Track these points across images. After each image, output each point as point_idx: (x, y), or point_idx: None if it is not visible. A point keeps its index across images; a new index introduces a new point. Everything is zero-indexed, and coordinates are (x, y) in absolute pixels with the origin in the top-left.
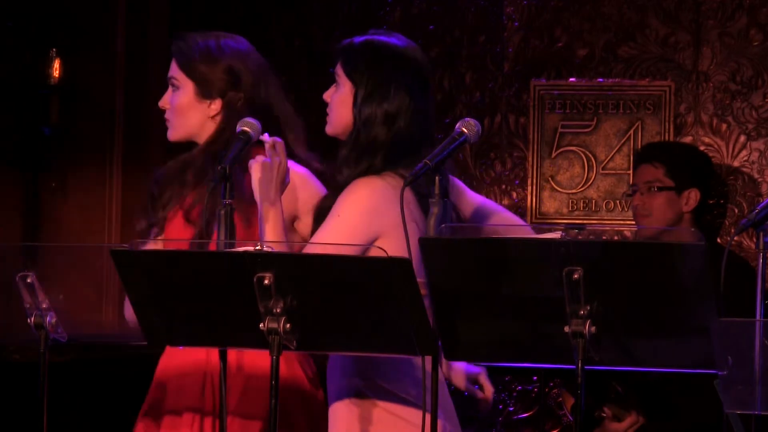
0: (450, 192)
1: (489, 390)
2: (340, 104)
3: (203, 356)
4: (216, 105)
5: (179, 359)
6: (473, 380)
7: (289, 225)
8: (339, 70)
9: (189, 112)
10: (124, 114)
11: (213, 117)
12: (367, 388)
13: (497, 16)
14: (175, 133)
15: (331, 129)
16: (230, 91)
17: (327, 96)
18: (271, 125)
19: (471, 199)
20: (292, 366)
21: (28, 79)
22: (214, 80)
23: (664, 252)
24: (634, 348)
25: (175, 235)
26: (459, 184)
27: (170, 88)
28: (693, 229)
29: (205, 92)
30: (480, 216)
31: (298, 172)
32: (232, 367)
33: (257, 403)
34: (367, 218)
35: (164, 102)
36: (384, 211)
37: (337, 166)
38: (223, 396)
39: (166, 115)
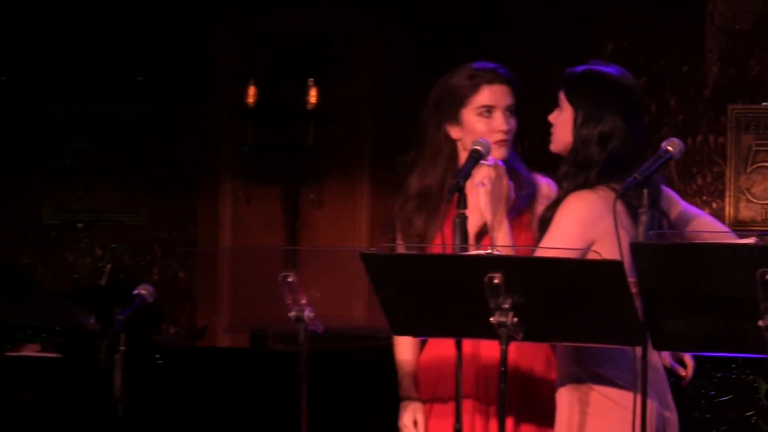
0: (662, 200)
1: (690, 367)
2: (562, 126)
3: (469, 350)
4: None
5: (440, 353)
6: (678, 359)
7: None
8: (562, 96)
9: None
10: (371, 134)
11: None
12: (585, 374)
13: (698, 49)
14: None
15: (554, 147)
16: None
17: (551, 118)
18: None
19: (680, 206)
20: (537, 355)
21: (288, 105)
22: None
23: None
24: None
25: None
26: (671, 193)
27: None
28: None
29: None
30: (685, 220)
31: (546, 184)
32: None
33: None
34: (583, 228)
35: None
36: (597, 220)
37: (557, 179)
38: (459, 382)
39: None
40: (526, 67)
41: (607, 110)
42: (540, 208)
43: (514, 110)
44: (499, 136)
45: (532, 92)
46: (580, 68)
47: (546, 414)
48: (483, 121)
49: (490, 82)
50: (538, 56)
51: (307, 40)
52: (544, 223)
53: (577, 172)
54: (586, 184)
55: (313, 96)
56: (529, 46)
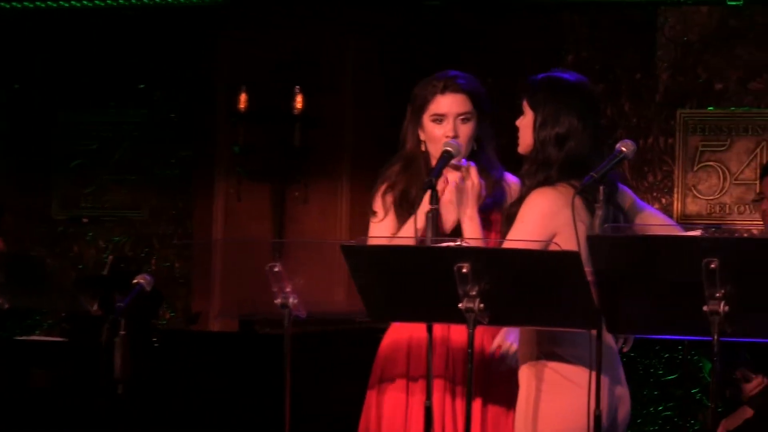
0: (618, 196)
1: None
2: (525, 129)
3: (439, 333)
4: None
5: (407, 335)
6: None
7: None
8: (525, 102)
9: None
10: (352, 137)
11: None
12: (542, 352)
13: (650, 58)
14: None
15: (521, 149)
16: None
17: (518, 122)
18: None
19: (634, 202)
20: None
21: (277, 110)
22: None
23: None
24: (763, 323)
25: None
26: (626, 190)
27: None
28: None
29: None
30: (638, 215)
31: (516, 183)
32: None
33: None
34: (545, 221)
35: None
36: (557, 214)
37: (521, 177)
38: (429, 363)
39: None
40: (493, 74)
41: (563, 113)
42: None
43: (472, 117)
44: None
45: (499, 99)
46: (540, 76)
47: (509, 394)
48: (436, 126)
49: (443, 91)
50: (504, 65)
51: (295, 51)
52: (509, 218)
53: (537, 171)
54: (546, 182)
55: (299, 102)
56: (500, 59)
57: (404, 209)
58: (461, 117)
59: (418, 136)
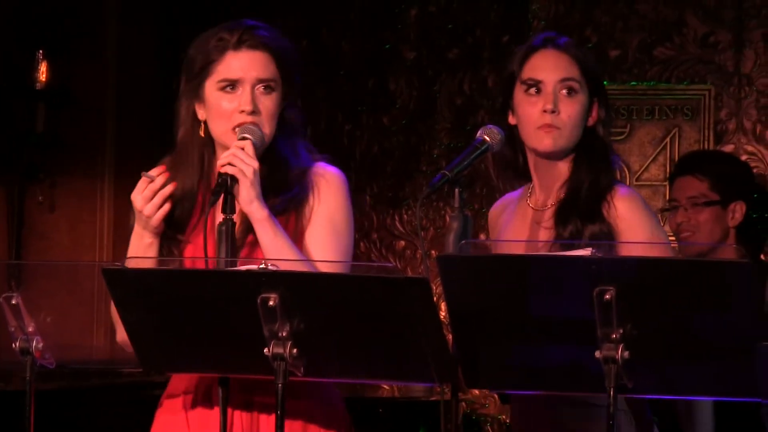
0: None
1: None
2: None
3: None
4: None
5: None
6: None
7: None
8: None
9: None
10: (116, 120)
11: None
12: None
13: (522, 14)
14: None
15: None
16: None
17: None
18: None
19: None
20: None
21: (13, 82)
22: None
23: (706, 270)
24: (671, 374)
25: None
26: None
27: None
28: (736, 246)
29: None
30: None
31: (329, 172)
32: None
33: None
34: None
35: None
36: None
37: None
38: (224, 428)
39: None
40: (310, 36)
41: None
42: (314, 202)
43: (277, 86)
44: (241, 119)
45: (317, 69)
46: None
47: None
48: (226, 98)
49: (237, 46)
50: (323, 25)
51: (38, 2)
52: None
53: None
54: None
55: (43, 72)
56: (314, 13)
57: (170, 227)
58: (263, 84)
59: (194, 116)
